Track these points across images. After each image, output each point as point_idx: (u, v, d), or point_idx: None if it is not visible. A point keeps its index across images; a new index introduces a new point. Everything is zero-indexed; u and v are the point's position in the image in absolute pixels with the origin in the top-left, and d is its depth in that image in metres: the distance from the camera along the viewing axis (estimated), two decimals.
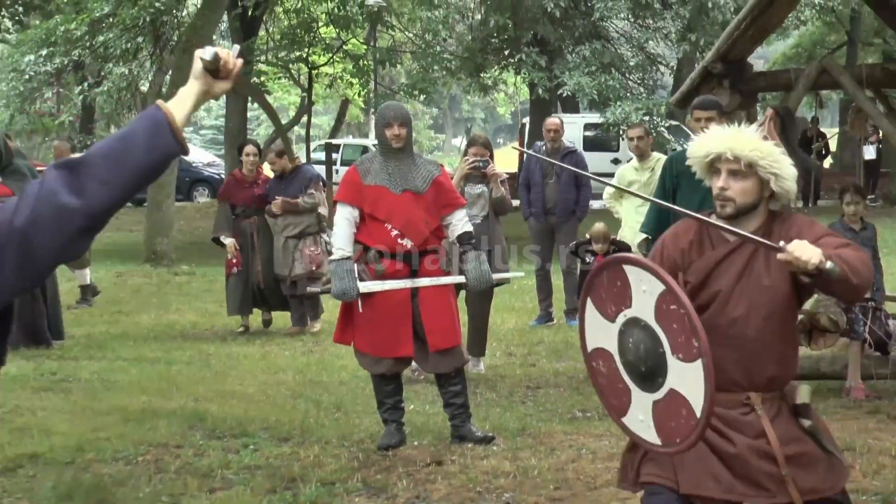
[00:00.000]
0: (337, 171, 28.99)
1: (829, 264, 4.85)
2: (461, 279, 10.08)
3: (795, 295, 5.39)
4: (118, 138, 3.82)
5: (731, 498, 5.25)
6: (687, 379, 4.87)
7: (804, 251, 4.82)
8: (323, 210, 16.04)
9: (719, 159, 5.27)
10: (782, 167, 5.27)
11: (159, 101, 3.93)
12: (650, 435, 5.16)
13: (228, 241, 16.10)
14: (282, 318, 16.68)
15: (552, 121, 16.61)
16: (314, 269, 15.61)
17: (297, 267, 15.66)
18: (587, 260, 13.49)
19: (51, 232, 3.61)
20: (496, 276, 9.95)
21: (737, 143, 5.22)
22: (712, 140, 5.32)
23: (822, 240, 5.11)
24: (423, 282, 9.79)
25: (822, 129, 35.22)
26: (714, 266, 5.37)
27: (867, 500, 8.11)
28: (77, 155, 4.05)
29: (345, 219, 9.75)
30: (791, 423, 5.33)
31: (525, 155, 17.09)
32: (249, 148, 16.49)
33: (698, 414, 4.88)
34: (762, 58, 47.65)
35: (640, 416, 5.19)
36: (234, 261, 15.97)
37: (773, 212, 5.42)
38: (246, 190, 16.14)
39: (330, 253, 15.21)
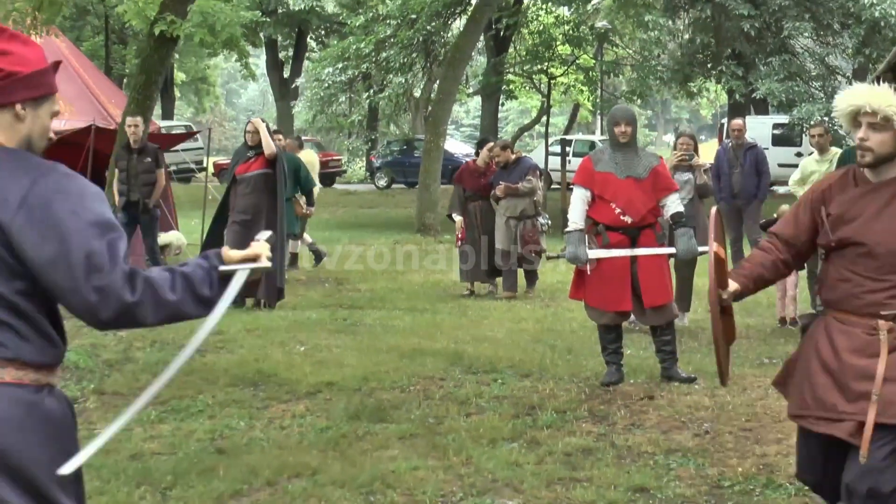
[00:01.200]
0: (570, 162, 28.91)
1: None
2: (672, 250, 10.06)
3: None
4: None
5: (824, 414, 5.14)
6: None
7: None
8: (539, 195, 15.84)
9: (860, 112, 5.03)
10: None
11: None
12: None
13: (458, 219, 16.04)
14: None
15: (736, 122, 16.86)
16: (532, 248, 15.35)
17: (517, 245, 15.41)
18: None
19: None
20: (700, 248, 9.87)
21: (875, 98, 4.98)
22: (854, 95, 5.08)
23: None
24: (641, 251, 9.79)
25: None
26: (855, 200, 5.11)
27: None
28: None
29: (579, 198, 9.78)
30: None
31: (718, 149, 16.97)
32: (489, 145, 16.23)
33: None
34: None
35: None
36: (460, 235, 15.89)
37: None
38: (476, 178, 15.97)
39: (545, 232, 15.36)
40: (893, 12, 27.87)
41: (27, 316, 3.43)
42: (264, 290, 13.89)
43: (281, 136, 16.03)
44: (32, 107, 3.49)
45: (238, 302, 13.81)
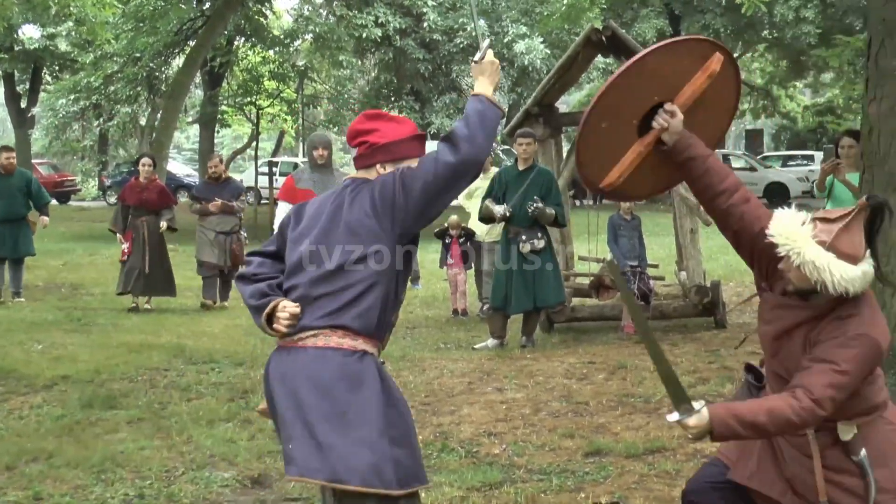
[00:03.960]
0: (276, 180, 28.71)
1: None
2: None
3: None
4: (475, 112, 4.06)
5: (773, 496, 3.99)
6: None
7: None
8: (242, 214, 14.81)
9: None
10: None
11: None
12: None
13: (119, 235, 14.26)
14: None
15: None
16: (239, 260, 14.04)
17: (226, 258, 14.20)
18: (447, 241, 13.50)
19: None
20: None
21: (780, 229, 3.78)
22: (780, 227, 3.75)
23: (817, 365, 3.71)
24: None
25: None
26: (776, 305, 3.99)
27: (634, 402, 8.26)
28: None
29: (284, 211, 9.76)
30: (841, 455, 3.83)
31: None
32: (145, 160, 14.57)
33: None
34: (565, 103, 48.08)
35: None
36: (126, 250, 14.03)
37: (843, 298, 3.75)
38: (139, 193, 14.20)
39: (246, 244, 14.57)
40: (538, 60, 29.02)
41: None
42: None
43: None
44: (391, 164, 4.19)
45: None
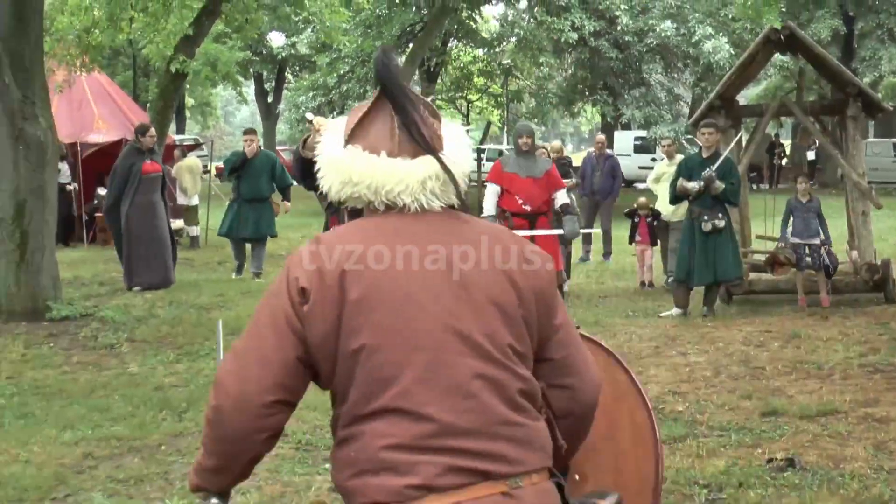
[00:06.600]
0: (483, 165, 28.89)
1: None
2: (560, 231, 10.08)
3: None
4: None
5: None
6: None
7: None
8: None
9: None
10: None
11: None
12: None
13: None
14: None
15: (599, 137, 16.97)
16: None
17: None
18: (635, 220, 13.33)
19: None
20: (582, 230, 9.89)
21: None
22: None
23: None
24: (537, 232, 9.80)
25: (780, 141, 34.82)
26: None
27: (808, 367, 8.01)
28: None
29: (491, 192, 9.84)
30: None
31: (584, 156, 17.09)
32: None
33: None
34: (744, 97, 46.86)
35: None
36: None
37: None
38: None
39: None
40: (719, 56, 28.36)
41: None
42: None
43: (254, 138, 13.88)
44: None
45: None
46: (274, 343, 2.08)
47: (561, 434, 2.26)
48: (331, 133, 2.26)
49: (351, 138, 2.21)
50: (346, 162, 2.18)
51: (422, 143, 2.15)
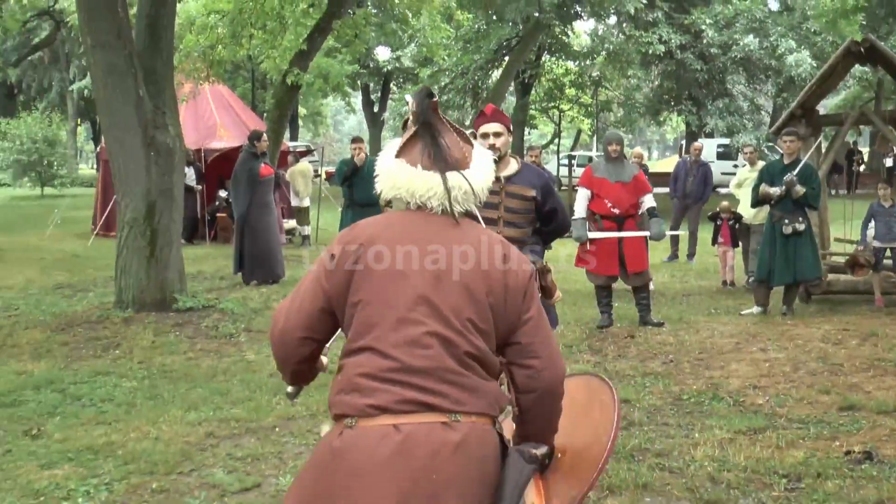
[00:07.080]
0: (574, 170, 28.72)
1: None
2: (647, 233, 9.97)
3: None
4: None
5: None
6: None
7: None
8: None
9: None
10: None
11: None
12: None
13: None
14: None
15: (697, 144, 16.36)
16: None
17: None
18: (718, 223, 13.13)
19: None
20: (668, 232, 9.77)
21: None
22: None
23: None
24: (626, 234, 9.72)
25: (859, 148, 33.99)
26: None
27: (885, 365, 7.79)
28: None
29: (582, 196, 9.74)
30: None
31: (678, 161, 16.77)
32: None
33: None
34: (823, 106, 45.95)
35: None
36: None
37: None
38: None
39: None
40: (801, 69, 27.73)
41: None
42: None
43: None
44: None
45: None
46: (309, 296, 2.62)
47: (523, 405, 2.62)
48: (388, 148, 2.74)
49: (399, 153, 2.69)
50: (393, 171, 2.68)
51: (437, 163, 2.62)
